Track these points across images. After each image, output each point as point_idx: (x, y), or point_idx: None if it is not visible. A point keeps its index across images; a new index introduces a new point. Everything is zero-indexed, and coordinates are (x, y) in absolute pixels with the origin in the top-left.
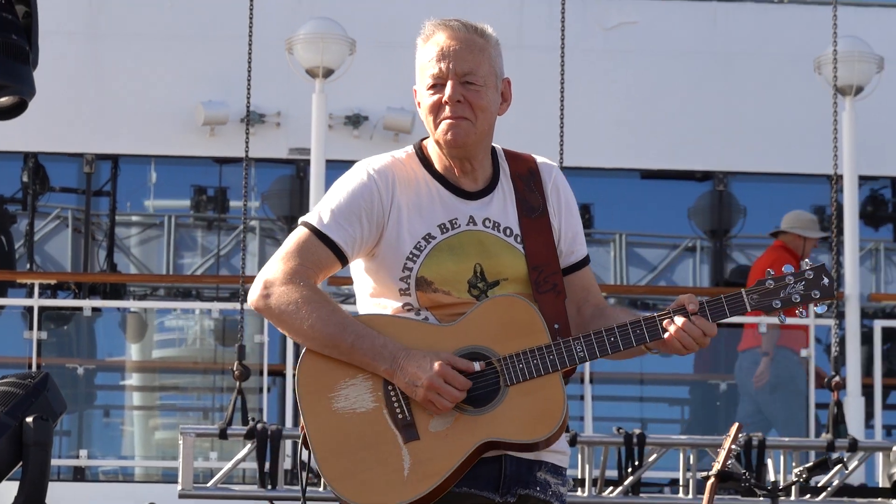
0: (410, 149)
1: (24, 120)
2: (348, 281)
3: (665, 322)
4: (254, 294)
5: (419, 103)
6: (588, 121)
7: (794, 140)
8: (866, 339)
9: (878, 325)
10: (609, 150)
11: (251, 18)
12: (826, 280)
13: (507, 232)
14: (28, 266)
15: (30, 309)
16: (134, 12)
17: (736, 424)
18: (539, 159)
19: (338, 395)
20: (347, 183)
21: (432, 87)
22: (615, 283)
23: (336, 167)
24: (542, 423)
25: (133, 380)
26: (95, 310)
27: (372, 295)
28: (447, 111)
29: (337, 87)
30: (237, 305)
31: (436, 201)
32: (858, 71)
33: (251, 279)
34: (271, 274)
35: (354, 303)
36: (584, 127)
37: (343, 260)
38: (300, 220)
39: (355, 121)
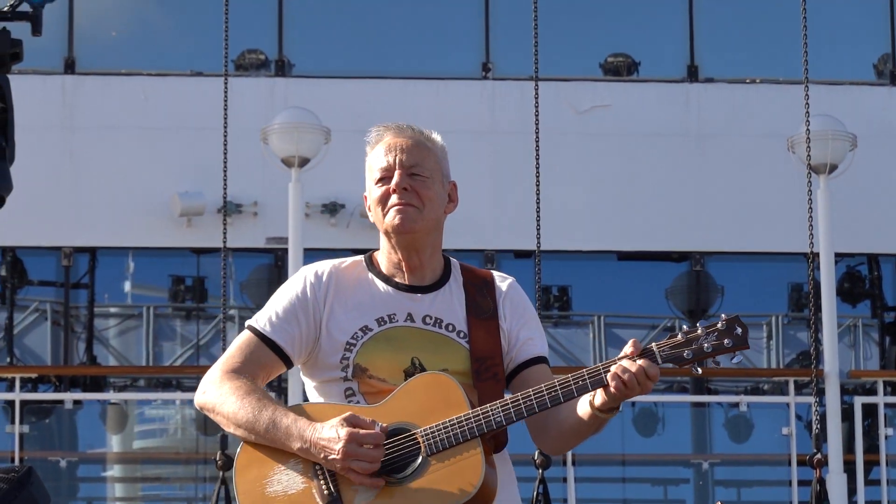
0: (359, 257)
1: (1, 214)
2: None
3: (615, 368)
4: (196, 394)
5: (368, 205)
6: (564, 204)
7: (770, 219)
8: (847, 415)
9: (859, 401)
10: (586, 233)
11: (226, 109)
12: (739, 329)
13: (450, 328)
14: (8, 360)
15: (11, 403)
16: (108, 105)
17: (719, 503)
18: (496, 273)
19: (271, 480)
20: (287, 286)
21: (380, 180)
22: (595, 364)
23: (313, 255)
24: (460, 489)
25: (115, 471)
26: (76, 402)
27: (318, 386)
28: (394, 199)
29: (313, 176)
30: None
31: (375, 297)
32: (832, 149)
33: None
34: (210, 373)
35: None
36: (561, 210)
37: (285, 360)
38: (246, 323)
39: (332, 209)
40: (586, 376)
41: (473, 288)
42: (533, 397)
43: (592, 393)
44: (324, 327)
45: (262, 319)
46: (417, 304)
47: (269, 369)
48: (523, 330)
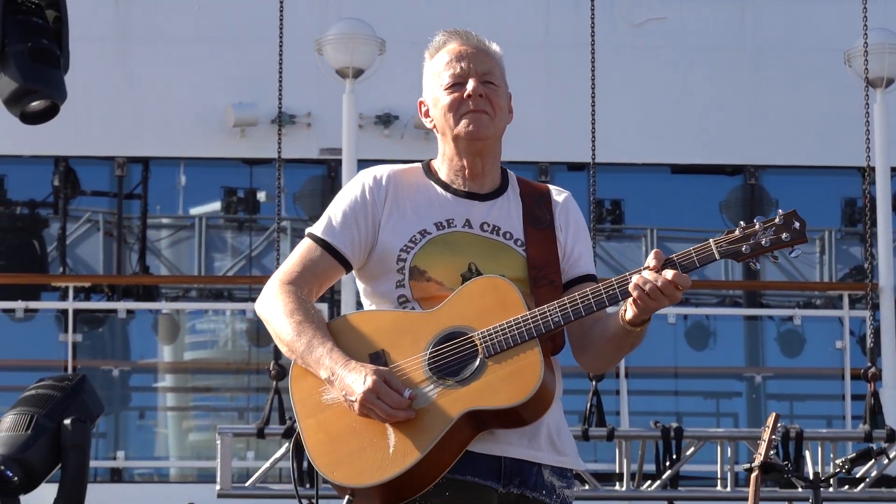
0: (417, 164)
1: (54, 124)
2: None
3: (636, 278)
4: (257, 301)
5: (427, 111)
6: (618, 117)
7: (825, 133)
8: None
9: None
10: (640, 146)
11: (281, 20)
12: (797, 224)
13: (508, 236)
14: (61, 270)
15: (64, 312)
16: (162, 16)
17: (773, 415)
18: (552, 187)
19: (326, 387)
20: (345, 191)
21: (452, 86)
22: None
23: (367, 166)
24: (519, 390)
25: (167, 381)
26: (129, 312)
27: (372, 293)
28: (470, 105)
29: (367, 87)
30: None
31: (434, 203)
32: (889, 63)
33: None
34: (269, 283)
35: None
36: (615, 123)
37: (346, 264)
38: (306, 230)
39: (386, 120)
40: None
41: (531, 199)
42: (590, 295)
43: (622, 308)
44: (382, 230)
45: (320, 225)
46: (476, 210)
47: (328, 275)
48: (577, 245)
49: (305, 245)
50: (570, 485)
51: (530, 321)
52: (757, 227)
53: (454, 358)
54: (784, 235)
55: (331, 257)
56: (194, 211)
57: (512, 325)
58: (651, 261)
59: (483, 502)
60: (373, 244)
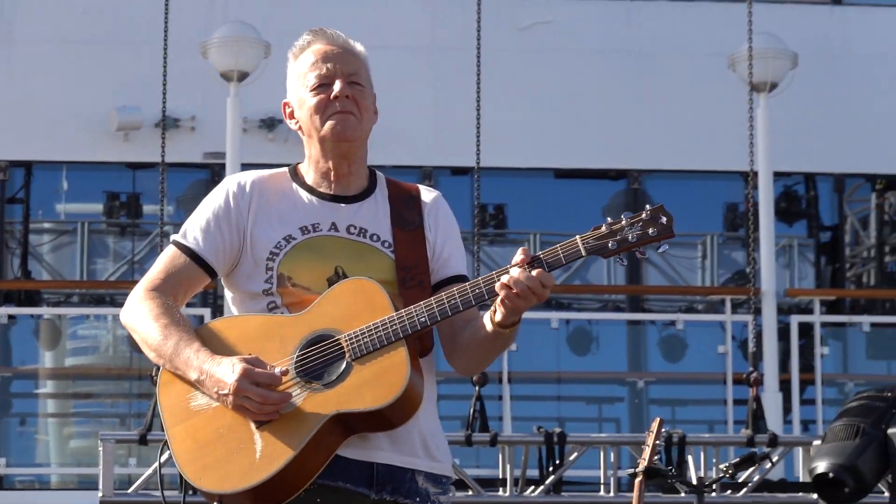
0: (282, 168)
1: None
2: None
3: (504, 278)
4: (122, 311)
5: (293, 112)
6: (503, 121)
7: (709, 137)
8: (783, 334)
9: (795, 320)
10: (524, 150)
11: (166, 23)
12: (664, 219)
13: (374, 238)
14: None
15: None
16: (46, 17)
17: (657, 419)
18: (422, 187)
19: (194, 394)
20: (210, 198)
21: (318, 87)
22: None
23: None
24: (386, 391)
25: (48, 387)
26: (10, 317)
27: (240, 301)
28: (336, 106)
29: (252, 91)
30: None
31: (299, 207)
32: (773, 67)
33: None
34: (134, 291)
35: None
36: (500, 127)
37: (209, 271)
38: (171, 237)
39: (270, 124)
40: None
41: (399, 201)
42: (457, 295)
43: (492, 310)
44: (247, 237)
45: (186, 232)
46: (342, 213)
47: (192, 283)
48: (447, 245)
49: (170, 252)
50: (445, 490)
51: (396, 322)
52: (623, 222)
53: (321, 361)
54: (651, 230)
55: (195, 265)
56: (75, 210)
57: (378, 327)
58: (518, 258)
59: None
60: (238, 252)
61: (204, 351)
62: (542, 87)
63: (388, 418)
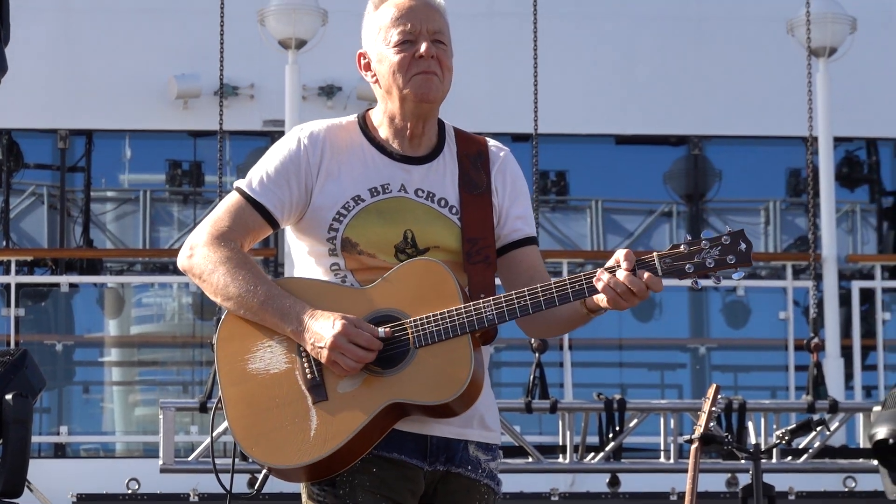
0: (353, 117)
1: None
2: None
3: (606, 277)
4: (181, 255)
5: (368, 63)
6: (562, 87)
7: (769, 103)
8: (844, 300)
9: (856, 285)
10: (583, 116)
11: None
12: (743, 246)
13: (442, 203)
14: (4, 243)
15: (7, 286)
16: None
17: (714, 386)
18: (491, 142)
19: (253, 356)
20: (279, 147)
21: (401, 43)
22: (592, 249)
23: None
24: (447, 386)
25: (112, 355)
26: (73, 286)
27: (304, 256)
28: (421, 66)
29: (310, 58)
30: None
31: (369, 165)
32: (832, 32)
33: None
34: (197, 236)
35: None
36: (558, 93)
37: (273, 223)
38: (234, 184)
39: (329, 91)
40: (583, 281)
41: (467, 159)
42: (527, 297)
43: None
44: (314, 194)
45: (252, 181)
46: (412, 175)
47: (257, 232)
48: (514, 206)
49: (233, 199)
50: (494, 457)
51: (464, 315)
52: (703, 244)
53: (385, 345)
54: (729, 258)
55: (258, 215)
56: (137, 179)
57: (445, 317)
58: (624, 262)
59: (409, 480)
60: (305, 207)
61: (302, 303)
62: (601, 54)
63: (447, 410)
